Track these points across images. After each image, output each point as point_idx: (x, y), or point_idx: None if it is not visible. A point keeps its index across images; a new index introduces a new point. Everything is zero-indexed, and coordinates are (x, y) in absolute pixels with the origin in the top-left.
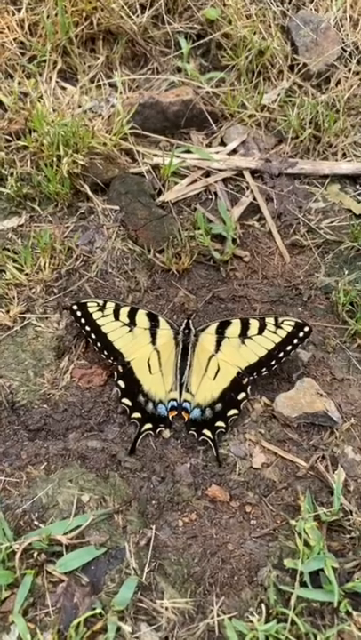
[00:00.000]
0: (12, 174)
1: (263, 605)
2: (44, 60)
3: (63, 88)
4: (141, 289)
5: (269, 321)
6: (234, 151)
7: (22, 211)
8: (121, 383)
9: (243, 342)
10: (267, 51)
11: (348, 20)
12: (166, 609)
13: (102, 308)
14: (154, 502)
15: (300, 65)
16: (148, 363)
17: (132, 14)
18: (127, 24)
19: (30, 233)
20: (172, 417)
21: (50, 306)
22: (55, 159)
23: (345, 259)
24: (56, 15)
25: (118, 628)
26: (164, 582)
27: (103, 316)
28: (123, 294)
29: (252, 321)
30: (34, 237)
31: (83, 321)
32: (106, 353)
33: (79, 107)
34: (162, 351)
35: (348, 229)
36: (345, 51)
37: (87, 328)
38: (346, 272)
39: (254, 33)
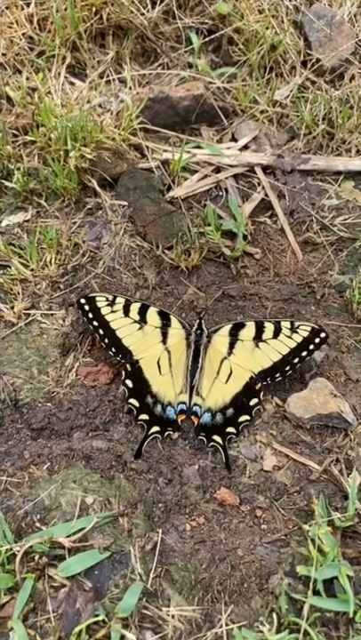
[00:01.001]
0: (18, 169)
1: (274, 614)
2: (53, 55)
3: (72, 83)
4: (149, 286)
5: (285, 325)
6: (245, 147)
7: (29, 206)
8: (129, 382)
9: (257, 346)
10: (279, 46)
11: None
12: (173, 617)
13: (112, 304)
14: (160, 505)
15: (314, 60)
16: (158, 363)
17: (142, 9)
18: (137, 19)
19: (37, 228)
20: (181, 420)
21: (55, 302)
22: (62, 153)
23: (360, 256)
24: (65, 10)
25: (122, 637)
26: (171, 589)
27: (112, 311)
28: (130, 291)
29: (267, 324)
30: (40, 233)
31: (90, 316)
32: (114, 350)
33: (88, 102)
34: (173, 351)
35: None
36: (360, 46)
37: (95, 323)
38: (360, 270)
39: (266, 28)
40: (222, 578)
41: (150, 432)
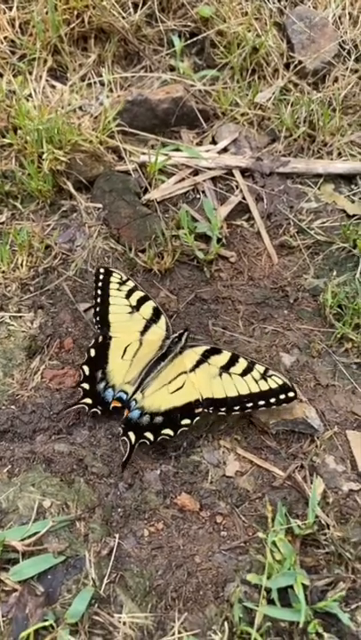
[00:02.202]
0: None
1: (227, 623)
2: (35, 59)
3: (53, 86)
4: None
5: (258, 368)
6: (225, 150)
7: (4, 208)
8: (92, 351)
9: (220, 375)
10: (261, 48)
11: (348, 17)
12: (124, 624)
13: (121, 283)
14: (119, 510)
15: (296, 62)
16: (126, 348)
17: (124, 12)
18: (119, 22)
19: (11, 230)
20: (113, 407)
21: (25, 304)
22: (37, 156)
23: (335, 260)
24: (47, 13)
25: None
26: (124, 595)
27: (118, 289)
28: None
29: (241, 360)
30: (13, 235)
31: (100, 285)
32: (97, 319)
33: (69, 105)
34: (144, 345)
35: (340, 230)
36: (343, 48)
37: (98, 293)
38: (335, 273)
39: (249, 30)
40: (178, 585)
41: (83, 401)
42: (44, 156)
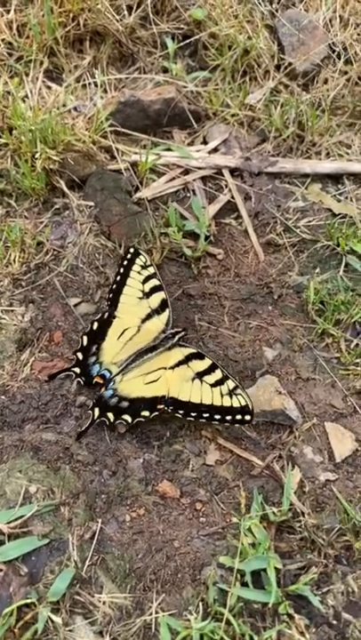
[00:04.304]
0: None
1: (202, 604)
2: (31, 60)
3: (49, 87)
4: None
5: (229, 383)
6: (215, 150)
7: None
8: (95, 324)
9: (192, 379)
10: (252, 50)
11: (338, 19)
12: (103, 603)
13: (143, 267)
14: (103, 496)
15: (286, 64)
16: (124, 331)
17: (118, 15)
18: (114, 25)
19: (4, 227)
20: (95, 382)
21: (16, 299)
22: (31, 155)
23: (320, 258)
24: (43, 16)
25: (49, 619)
26: (105, 576)
27: (138, 272)
28: (92, 289)
29: (217, 371)
30: (6, 232)
31: (124, 264)
32: (110, 295)
33: (64, 105)
34: (141, 333)
35: (325, 229)
36: (333, 51)
37: (120, 271)
38: (319, 271)
39: (240, 33)
40: (157, 568)
41: (73, 368)
42: (37, 156)
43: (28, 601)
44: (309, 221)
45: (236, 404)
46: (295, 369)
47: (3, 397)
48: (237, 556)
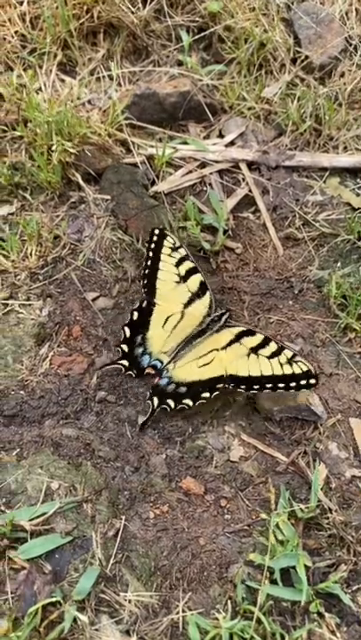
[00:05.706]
0: (4, 162)
1: (231, 602)
2: (45, 53)
3: (62, 80)
4: (128, 278)
5: (286, 353)
6: (231, 143)
7: (14, 199)
8: (135, 314)
9: (248, 355)
10: (268, 43)
11: (355, 12)
12: (130, 602)
13: (174, 249)
14: (126, 493)
15: (303, 57)
16: (168, 318)
17: (133, 7)
18: (128, 17)
19: (20, 221)
20: (147, 373)
21: (34, 293)
22: (47, 148)
23: (340, 252)
24: (57, 8)
25: (75, 618)
26: (130, 575)
27: (169, 255)
28: (110, 284)
29: (272, 343)
30: (22, 225)
31: (152, 247)
32: (145, 282)
33: (78, 98)
34: (185, 318)
35: (345, 223)
36: (350, 44)
37: (150, 255)
38: (340, 265)
39: (256, 25)
40: (182, 566)
41: (120, 361)
42: (53, 148)
43: (53, 600)
44: (329, 215)
45: (298, 371)
46: (318, 364)
47: (22, 392)
48: (265, 553)
